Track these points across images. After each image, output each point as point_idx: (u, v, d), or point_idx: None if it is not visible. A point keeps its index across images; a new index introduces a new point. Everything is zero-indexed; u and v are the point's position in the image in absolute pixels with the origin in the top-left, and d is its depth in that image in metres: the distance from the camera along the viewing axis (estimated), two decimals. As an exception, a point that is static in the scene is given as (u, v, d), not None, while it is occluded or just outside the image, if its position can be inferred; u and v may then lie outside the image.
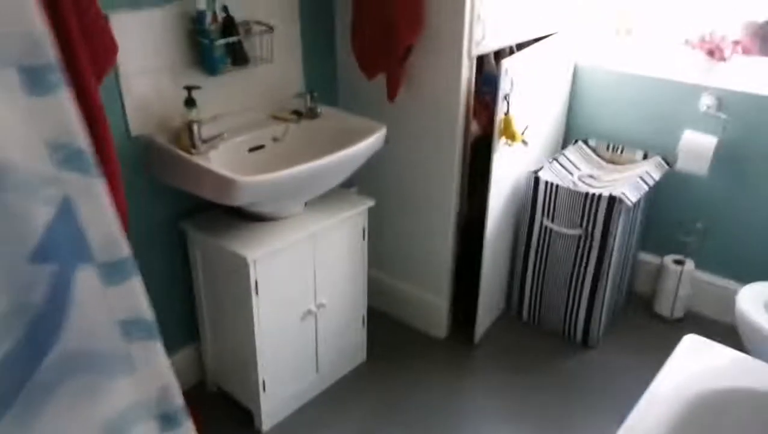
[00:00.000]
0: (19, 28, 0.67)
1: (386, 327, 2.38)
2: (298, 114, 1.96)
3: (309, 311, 1.92)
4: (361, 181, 2.18)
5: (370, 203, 1.99)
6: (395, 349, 2.30)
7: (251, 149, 1.85)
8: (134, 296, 0.84)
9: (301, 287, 1.88)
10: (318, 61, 2.15)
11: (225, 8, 1.73)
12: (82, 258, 0.78)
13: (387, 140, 1.92)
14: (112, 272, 0.81)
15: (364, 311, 2.15)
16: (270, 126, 1.91)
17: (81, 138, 0.74)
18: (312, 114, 1.97)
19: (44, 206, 0.72)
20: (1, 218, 0.70)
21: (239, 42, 1.78)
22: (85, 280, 0.78)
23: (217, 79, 1.79)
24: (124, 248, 0.80)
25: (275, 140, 1.90)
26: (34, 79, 0.69)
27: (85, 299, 0.78)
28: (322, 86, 2.13)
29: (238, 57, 1.80)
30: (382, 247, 2.31)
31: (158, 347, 0.88)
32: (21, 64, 0.68)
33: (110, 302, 0.81)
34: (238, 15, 1.76)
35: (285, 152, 1.87)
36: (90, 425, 0.85)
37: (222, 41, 1.73)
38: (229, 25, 1.73)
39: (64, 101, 0.72)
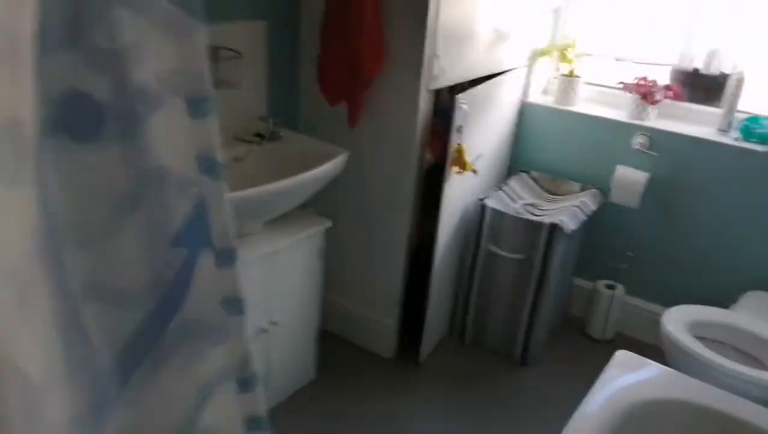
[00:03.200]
0: (191, 69, 0.84)
1: (335, 346, 2.44)
2: (260, 137, 2.02)
3: (262, 330, 1.96)
4: (318, 202, 2.25)
5: (328, 223, 2.06)
6: (344, 368, 2.36)
7: (214, 168, 1.89)
8: (236, 278, 1.00)
9: (257, 304, 1.91)
10: (282, 86, 2.22)
11: (196, 32, 1.79)
12: (205, 244, 0.95)
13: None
14: (223, 257, 0.97)
15: (315, 331, 2.21)
16: (233, 147, 1.95)
17: (218, 152, 0.92)
18: (274, 137, 2.03)
19: (187, 201, 0.90)
20: (159, 210, 0.88)
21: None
22: (205, 262, 0.95)
23: (184, 100, 1.83)
24: (233, 239, 0.97)
25: (237, 160, 1.95)
26: (194, 106, 0.87)
27: (202, 278, 0.96)
28: (284, 110, 2.21)
29: (206, 80, 1.86)
30: (334, 268, 2.38)
31: (246, 321, 1.03)
32: (187, 94, 0.86)
33: (219, 281, 0.98)
34: (208, 41, 1.82)
35: (247, 173, 1.92)
36: (193, 382, 1.01)
37: (191, 64, 1.78)
38: (199, 49, 1.79)
39: (212, 124, 0.90)
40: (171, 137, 0.87)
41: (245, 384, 1.09)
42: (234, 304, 1.02)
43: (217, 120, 0.92)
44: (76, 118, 0.82)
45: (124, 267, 0.90)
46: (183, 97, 0.87)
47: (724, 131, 2.40)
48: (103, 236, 0.87)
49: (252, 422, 1.12)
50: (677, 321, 2.01)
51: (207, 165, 0.92)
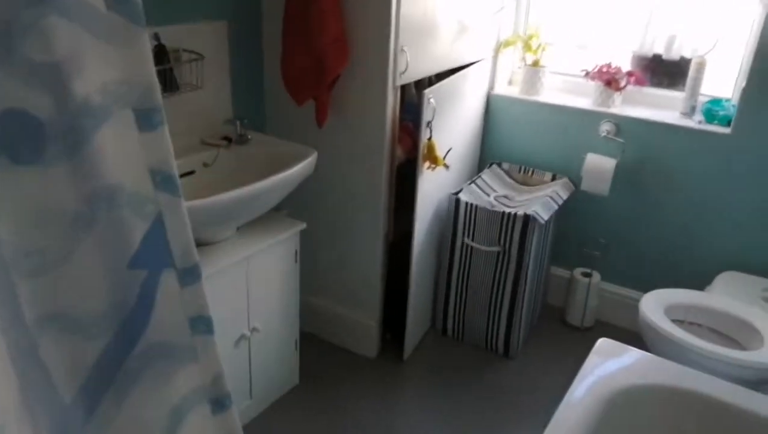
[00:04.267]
0: (138, 79, 0.81)
1: (317, 349, 2.40)
2: (228, 140, 1.97)
3: (243, 336, 1.92)
4: (291, 204, 2.22)
5: (302, 226, 2.02)
6: (327, 371, 2.33)
7: (181, 175, 1.83)
8: (201, 296, 0.97)
9: (235, 312, 1.89)
10: (247, 88, 2.18)
11: (156, 36, 1.73)
12: (166, 264, 0.92)
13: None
14: (186, 276, 0.94)
15: (297, 335, 2.17)
16: (200, 152, 1.91)
17: (173, 166, 0.89)
18: (242, 140, 1.99)
19: (143, 220, 0.87)
20: (113, 231, 0.84)
21: (170, 69, 1.79)
22: (167, 282, 0.92)
23: (146, 106, 1.78)
24: (195, 256, 0.95)
25: (205, 165, 1.91)
26: (144, 119, 0.83)
27: (166, 299, 0.93)
28: (251, 112, 2.16)
29: (168, 84, 1.80)
30: (311, 270, 2.35)
31: (214, 340, 1.01)
32: (135, 106, 0.82)
33: (184, 301, 0.95)
34: (168, 43, 1.77)
35: (216, 178, 1.88)
36: (163, 405, 0.98)
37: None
38: (160, 53, 1.74)
39: (165, 136, 0.87)
40: (121, 153, 0.83)
41: (219, 403, 1.06)
42: (201, 323, 0.99)
43: (168, 133, 0.88)
44: (15, 138, 0.76)
45: (82, 294, 0.86)
46: (131, 109, 0.83)
47: (687, 114, 2.43)
48: (56, 263, 0.82)
49: None
50: (654, 306, 2.03)
51: (162, 180, 0.88)
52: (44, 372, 0.84)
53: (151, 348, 0.94)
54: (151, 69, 0.83)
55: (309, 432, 2.06)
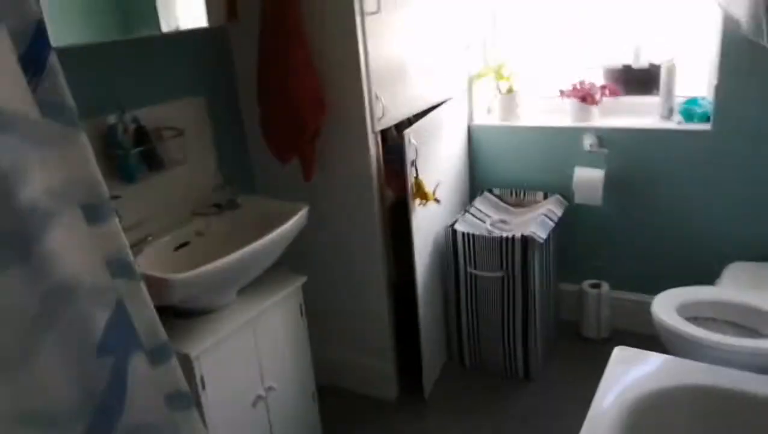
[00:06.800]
0: (81, 176, 0.86)
1: (337, 399, 2.39)
2: (218, 207, 2.01)
3: (259, 397, 1.91)
4: (291, 259, 2.23)
5: (303, 279, 2.04)
6: (349, 419, 2.31)
7: (177, 247, 1.87)
8: (174, 373, 0.99)
9: (248, 373, 1.88)
10: (231, 153, 2.23)
11: (135, 119, 1.79)
12: (134, 347, 0.93)
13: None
14: (156, 355, 0.96)
15: (313, 388, 2.16)
16: (193, 222, 1.94)
17: (128, 252, 0.91)
18: (232, 205, 2.03)
19: (104, 309, 0.89)
20: (76, 324, 0.86)
21: (153, 148, 1.84)
22: (138, 365, 0.93)
23: (136, 187, 1.82)
24: (163, 334, 0.97)
25: (199, 234, 1.94)
26: (92, 213, 0.87)
27: (138, 381, 0.93)
28: (238, 177, 2.21)
29: (154, 162, 1.85)
30: (320, 321, 2.35)
31: (195, 415, 1.02)
32: (83, 202, 0.87)
33: (157, 380, 0.96)
34: (148, 123, 1.83)
35: (211, 245, 1.90)
36: None
37: (136, 150, 1.78)
38: (141, 134, 1.79)
39: (115, 226, 0.90)
40: (74, 248, 0.86)
41: None
42: (179, 399, 1.01)
43: (118, 222, 0.92)
44: None
45: (50, 388, 0.87)
46: (78, 206, 0.87)
47: (666, 117, 2.47)
48: (19, 362, 0.84)
49: None
50: (666, 307, 2.01)
51: (119, 268, 0.91)
52: None
53: (131, 430, 0.94)
54: (94, 166, 0.87)
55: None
